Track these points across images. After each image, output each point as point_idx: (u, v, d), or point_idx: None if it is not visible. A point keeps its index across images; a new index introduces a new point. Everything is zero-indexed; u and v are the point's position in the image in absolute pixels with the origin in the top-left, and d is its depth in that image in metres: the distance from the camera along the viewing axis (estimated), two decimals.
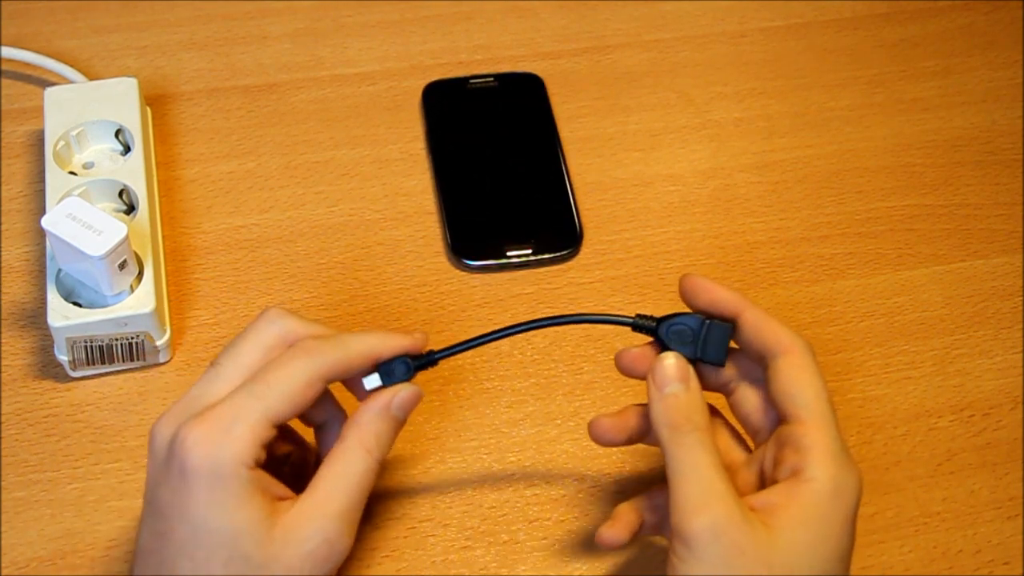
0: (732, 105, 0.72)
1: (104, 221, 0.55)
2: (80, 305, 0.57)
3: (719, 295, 0.49)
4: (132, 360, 0.59)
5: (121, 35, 0.73)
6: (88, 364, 0.58)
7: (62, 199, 0.58)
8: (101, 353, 0.58)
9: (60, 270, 0.58)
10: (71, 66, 0.70)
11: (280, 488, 0.46)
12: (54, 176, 0.61)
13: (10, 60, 0.71)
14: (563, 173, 0.68)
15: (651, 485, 0.54)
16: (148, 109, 0.69)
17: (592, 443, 0.58)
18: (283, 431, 0.49)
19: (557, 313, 0.62)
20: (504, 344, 0.61)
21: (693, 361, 0.48)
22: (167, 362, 0.60)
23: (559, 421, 0.59)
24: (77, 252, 0.55)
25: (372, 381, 0.48)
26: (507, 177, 0.68)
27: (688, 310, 0.50)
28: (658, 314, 0.50)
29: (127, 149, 0.64)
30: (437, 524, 0.55)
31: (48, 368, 0.59)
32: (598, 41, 0.75)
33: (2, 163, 0.67)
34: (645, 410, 0.50)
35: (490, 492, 0.57)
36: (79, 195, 0.60)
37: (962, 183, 0.69)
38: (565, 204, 0.67)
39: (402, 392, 0.48)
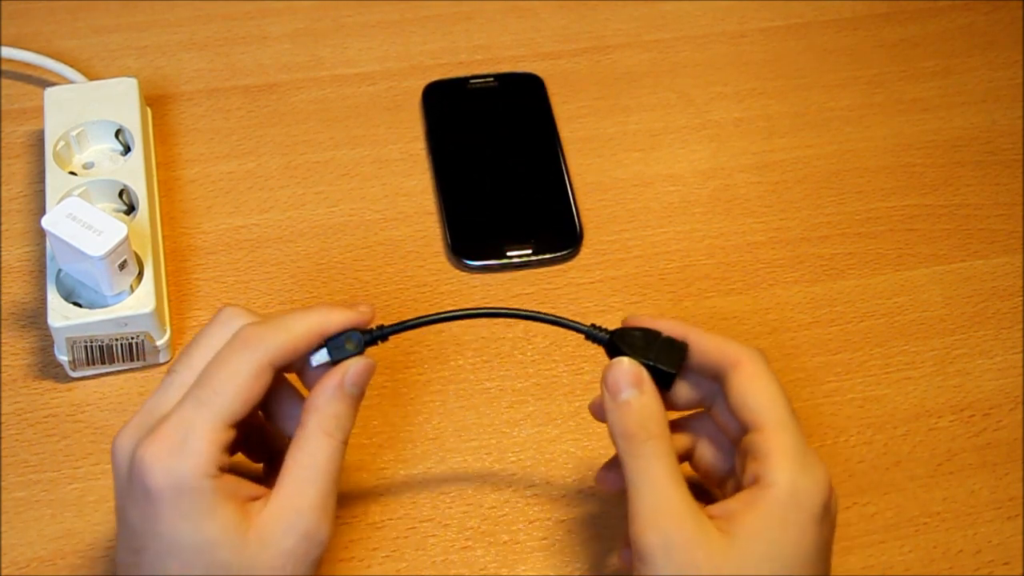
0: (732, 105, 0.72)
1: (104, 221, 0.55)
2: (80, 305, 0.57)
3: (660, 325, 0.48)
4: (132, 360, 0.59)
5: (121, 35, 0.73)
6: (88, 364, 0.58)
7: (62, 199, 0.58)
8: (101, 353, 0.58)
9: (60, 270, 0.58)
10: (71, 66, 0.70)
11: (250, 488, 0.45)
12: (54, 176, 0.61)
13: (10, 60, 0.71)
14: (563, 173, 0.68)
15: None
16: (148, 109, 0.69)
17: (592, 443, 0.58)
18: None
19: (556, 313, 0.62)
20: (504, 344, 0.61)
21: (648, 368, 0.47)
22: (167, 362, 0.60)
23: (559, 421, 0.59)
24: (77, 252, 0.55)
25: (319, 357, 0.46)
26: (507, 177, 0.68)
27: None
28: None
29: (127, 149, 0.64)
30: (437, 524, 0.55)
31: (48, 368, 0.59)
32: (598, 41, 0.75)
33: (2, 163, 0.67)
34: None
35: (490, 492, 0.57)
36: (79, 195, 0.60)
37: (962, 183, 0.69)
38: (565, 204, 0.67)
39: (353, 367, 0.46)
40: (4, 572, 0.53)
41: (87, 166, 0.64)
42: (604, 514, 0.56)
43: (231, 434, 0.44)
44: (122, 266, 0.56)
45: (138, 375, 0.59)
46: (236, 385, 0.44)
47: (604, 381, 0.47)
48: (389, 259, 0.65)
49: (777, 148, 0.70)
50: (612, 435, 0.46)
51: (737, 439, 0.48)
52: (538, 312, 0.50)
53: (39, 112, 0.65)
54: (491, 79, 0.72)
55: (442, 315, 0.49)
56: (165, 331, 0.59)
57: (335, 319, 0.47)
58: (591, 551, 0.55)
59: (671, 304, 0.63)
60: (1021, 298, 0.64)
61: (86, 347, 0.57)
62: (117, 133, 0.64)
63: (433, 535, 0.55)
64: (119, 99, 0.65)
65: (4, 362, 0.60)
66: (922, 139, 0.71)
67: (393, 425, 0.58)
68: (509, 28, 0.75)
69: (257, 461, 0.51)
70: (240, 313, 0.47)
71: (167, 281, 0.62)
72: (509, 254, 0.64)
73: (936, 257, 0.66)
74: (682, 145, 0.70)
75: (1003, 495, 0.57)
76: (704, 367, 0.48)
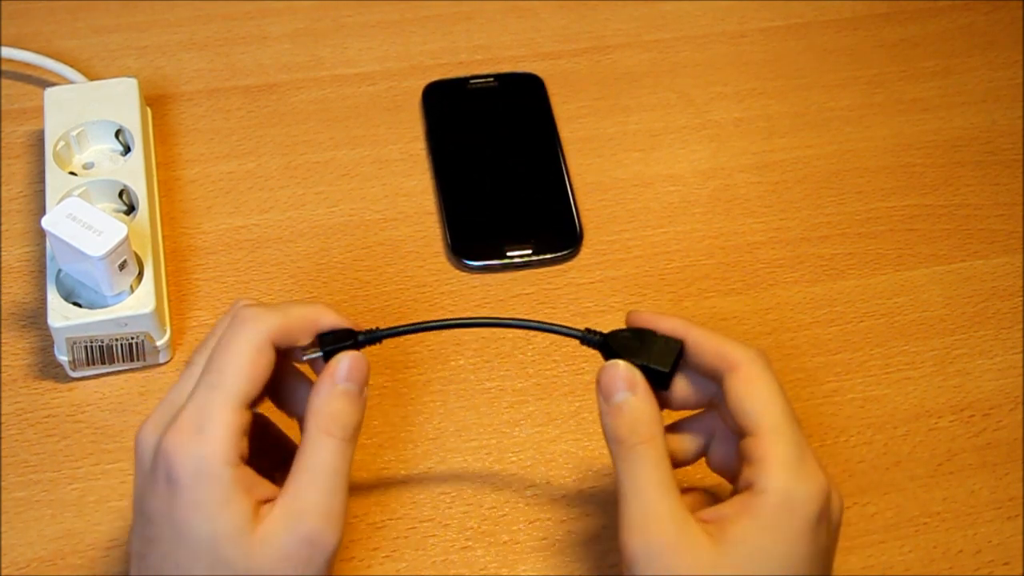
0: (732, 105, 0.72)
1: (104, 221, 0.55)
2: (80, 305, 0.57)
3: (662, 323, 0.48)
4: (132, 360, 0.59)
5: (121, 35, 0.73)
6: (88, 364, 0.58)
7: (62, 199, 0.58)
8: (101, 353, 0.58)
9: (60, 270, 0.58)
10: (71, 66, 0.70)
11: (265, 488, 0.45)
12: (54, 176, 0.61)
13: (10, 60, 0.71)
14: (563, 173, 0.68)
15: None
16: (148, 109, 0.69)
17: (592, 443, 0.58)
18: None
19: (556, 314, 0.63)
20: (504, 344, 0.61)
21: (642, 369, 0.47)
22: (167, 362, 0.60)
23: (559, 421, 0.59)
24: (77, 252, 0.55)
25: (311, 352, 0.47)
26: (507, 177, 0.68)
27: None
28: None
29: (127, 149, 0.64)
30: (437, 524, 0.55)
31: (48, 368, 0.59)
32: (598, 41, 0.75)
33: (2, 163, 0.67)
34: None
35: (490, 492, 0.57)
36: (79, 195, 0.60)
37: (962, 183, 0.69)
38: (565, 204, 0.67)
39: (343, 361, 0.46)
40: (4, 572, 0.53)
41: (87, 166, 0.64)
42: (604, 514, 0.56)
43: (247, 416, 0.44)
44: (122, 266, 0.56)
45: (138, 375, 0.59)
46: (239, 363, 0.44)
47: (598, 384, 0.47)
48: (389, 259, 0.65)
49: (777, 148, 0.70)
50: (606, 439, 0.46)
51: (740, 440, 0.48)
52: (531, 320, 0.50)
53: (39, 112, 0.65)
54: (491, 79, 0.72)
55: (435, 323, 0.49)
56: (165, 331, 0.59)
57: (331, 315, 0.47)
58: (591, 551, 0.55)
59: (671, 304, 0.63)
60: (1021, 298, 0.64)
61: (86, 347, 0.57)
62: (117, 133, 0.64)
63: (433, 535, 0.55)
64: (119, 99, 0.65)
65: (4, 362, 0.60)
66: (922, 139, 0.71)
67: (393, 425, 0.58)
68: (509, 28, 0.75)
69: (274, 469, 0.51)
70: (253, 305, 0.47)
71: (167, 281, 0.62)
72: (509, 254, 0.64)
73: (936, 257, 0.66)
74: (682, 145, 0.70)
75: (1003, 495, 0.57)
76: (703, 368, 0.48)
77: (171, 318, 0.61)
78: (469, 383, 0.60)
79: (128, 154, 0.64)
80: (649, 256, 0.65)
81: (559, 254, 0.65)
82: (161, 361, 0.60)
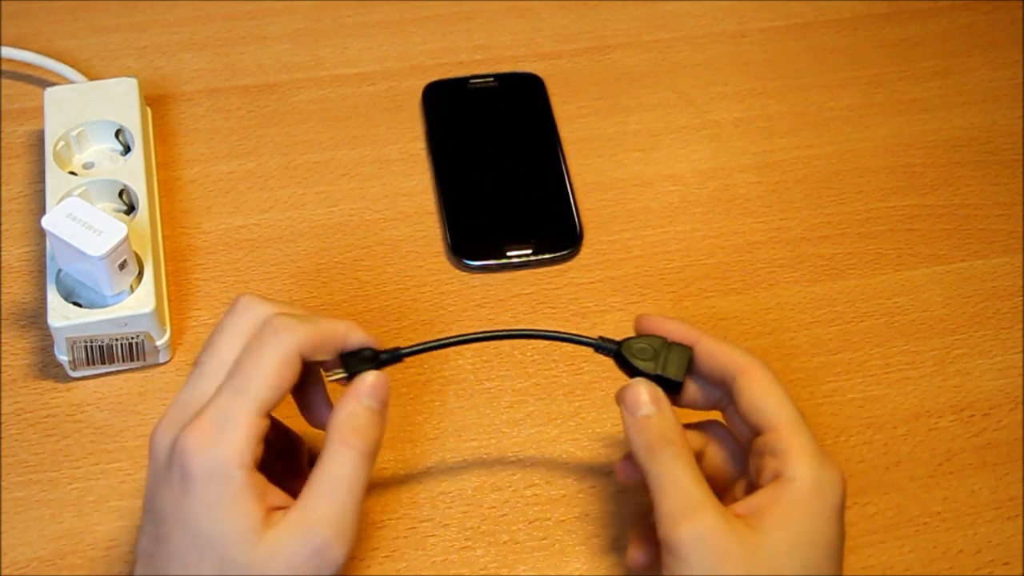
0: (732, 105, 0.72)
1: (104, 221, 0.55)
2: (80, 305, 0.57)
3: (672, 327, 0.51)
4: (132, 360, 0.59)
5: (121, 35, 0.73)
6: (88, 364, 0.58)
7: (62, 199, 0.58)
8: (101, 353, 0.58)
9: (60, 270, 0.58)
10: (71, 66, 0.70)
11: (276, 495, 0.45)
12: (54, 176, 0.61)
13: (10, 60, 0.71)
14: (563, 173, 0.68)
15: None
16: (148, 109, 0.69)
17: (592, 443, 0.58)
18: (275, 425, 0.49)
19: (556, 314, 0.63)
20: (504, 344, 0.61)
21: (655, 378, 0.49)
22: (167, 362, 0.60)
23: (559, 421, 0.59)
24: (77, 252, 0.55)
25: (335, 373, 0.48)
26: (507, 177, 0.68)
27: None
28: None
29: (127, 149, 0.64)
30: (437, 524, 0.55)
31: (48, 368, 0.59)
32: (598, 41, 0.75)
33: (2, 163, 0.67)
34: None
35: (490, 492, 0.57)
36: (79, 195, 0.60)
37: (962, 183, 0.69)
38: (565, 204, 0.67)
39: (367, 379, 0.47)
40: (4, 572, 0.53)
41: (87, 166, 0.64)
42: (604, 514, 0.56)
43: (266, 423, 0.45)
44: (122, 266, 0.56)
45: (138, 375, 0.59)
46: (268, 371, 0.45)
47: (623, 400, 0.49)
48: (389, 259, 0.65)
49: (777, 148, 0.70)
50: (633, 447, 0.48)
51: (748, 442, 0.49)
52: (547, 331, 0.52)
53: (39, 112, 0.65)
54: (491, 79, 0.72)
55: (455, 339, 0.50)
56: (165, 331, 0.59)
57: (357, 332, 0.48)
58: (591, 551, 0.55)
59: (671, 304, 0.63)
60: (1021, 298, 0.64)
61: (86, 347, 0.57)
62: (117, 133, 0.64)
63: (433, 535, 0.55)
64: (119, 99, 0.65)
65: (4, 362, 0.60)
66: (922, 139, 0.71)
67: (393, 425, 0.58)
68: (509, 28, 0.75)
69: (286, 475, 0.51)
70: (257, 300, 0.48)
71: (167, 281, 0.62)
72: (509, 254, 0.64)
73: (936, 257, 0.66)
74: (682, 145, 0.70)
75: (1003, 495, 0.57)
76: (712, 373, 0.50)
77: (171, 318, 0.61)
78: (469, 383, 0.60)
79: (128, 154, 0.64)
80: (649, 256, 0.65)
81: (559, 254, 0.65)
82: (161, 361, 0.60)
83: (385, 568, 0.54)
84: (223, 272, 0.63)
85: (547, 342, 0.61)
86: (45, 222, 0.55)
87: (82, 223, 0.55)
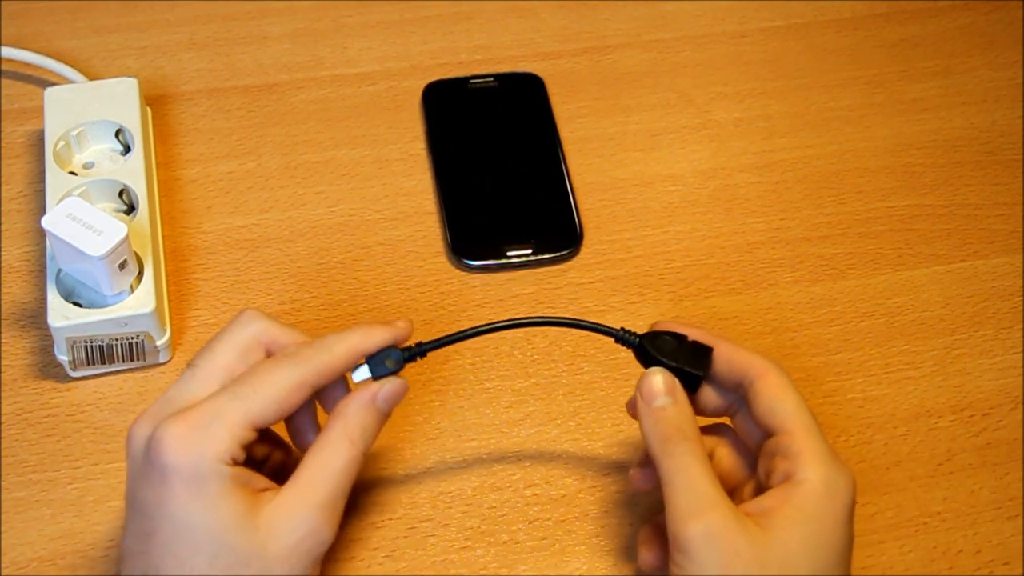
0: (732, 105, 0.72)
1: (104, 221, 0.55)
2: (80, 305, 0.57)
3: (691, 331, 0.51)
4: (132, 360, 0.59)
5: (121, 35, 0.73)
6: (88, 364, 0.58)
7: (62, 199, 0.58)
8: (101, 353, 0.58)
9: (60, 270, 0.58)
10: (71, 66, 0.70)
11: (261, 481, 0.46)
12: (54, 176, 0.61)
13: (10, 60, 0.71)
14: (563, 173, 0.68)
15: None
16: (148, 109, 0.69)
17: (592, 443, 0.58)
18: (265, 434, 0.49)
19: (556, 313, 0.62)
20: (504, 344, 0.61)
21: (676, 371, 0.49)
22: (167, 362, 0.60)
23: (559, 421, 0.59)
24: (77, 252, 0.55)
25: (361, 374, 0.49)
26: (507, 177, 0.68)
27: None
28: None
29: (127, 149, 0.64)
30: (437, 524, 0.55)
31: (48, 368, 0.59)
32: (598, 41, 0.75)
33: (2, 163, 0.67)
34: None
35: (490, 492, 0.57)
36: (79, 195, 0.60)
37: (962, 183, 0.69)
38: (565, 204, 0.67)
39: (388, 385, 0.48)
40: (4, 572, 0.53)
41: (87, 166, 0.64)
42: (604, 514, 0.56)
43: (252, 435, 0.45)
44: (122, 266, 0.56)
45: (138, 375, 0.59)
46: (275, 391, 0.46)
47: (640, 389, 0.49)
48: (389, 259, 0.65)
49: (777, 148, 0.70)
50: (647, 438, 0.48)
51: (758, 445, 0.49)
52: (572, 319, 0.52)
53: (39, 112, 0.65)
54: (491, 79, 0.72)
55: (479, 329, 0.50)
56: (165, 331, 0.59)
57: (375, 338, 0.49)
58: (591, 551, 0.55)
59: (671, 304, 0.63)
60: (1021, 298, 0.64)
61: (86, 347, 0.57)
62: (117, 133, 0.64)
63: (433, 535, 0.55)
64: (119, 99, 0.65)
65: (4, 362, 0.60)
66: (922, 139, 0.71)
67: (393, 425, 0.58)
68: (509, 28, 0.75)
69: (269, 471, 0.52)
70: (260, 316, 0.49)
71: (167, 281, 0.62)
72: (509, 254, 0.64)
73: (936, 257, 0.66)
74: (682, 145, 0.70)
75: (1003, 495, 0.57)
76: (729, 376, 0.50)
77: (171, 318, 0.61)
78: (469, 383, 0.60)
79: (128, 154, 0.64)
80: (649, 256, 0.65)
81: (559, 254, 0.65)
82: (161, 361, 0.60)
83: (385, 568, 0.54)
84: (223, 272, 0.63)
85: (547, 343, 0.61)
86: (45, 222, 0.55)
87: (82, 223, 0.55)
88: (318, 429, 0.49)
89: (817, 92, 0.73)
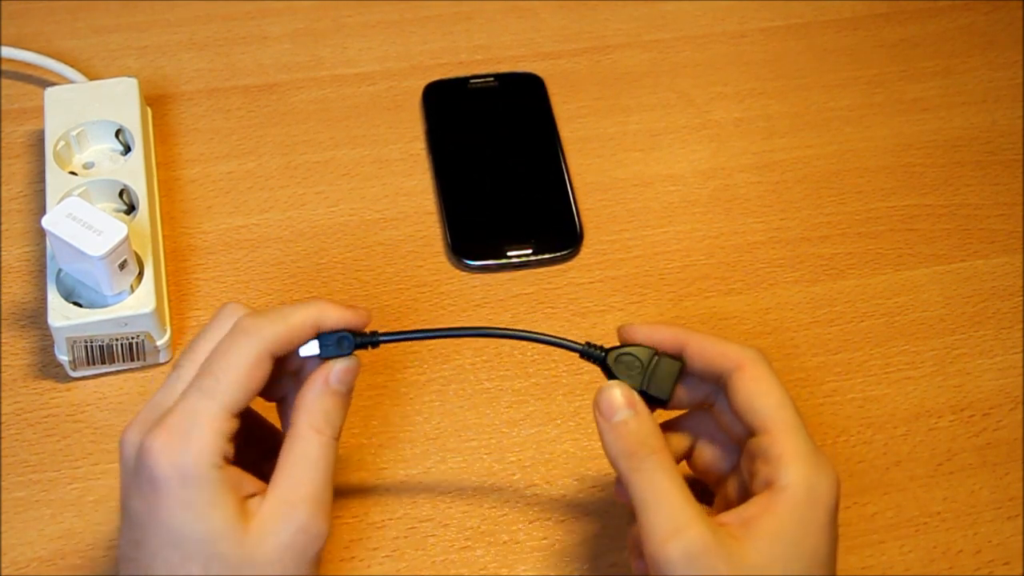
0: (732, 105, 0.72)
1: (104, 221, 0.55)
2: (80, 305, 0.57)
3: (659, 333, 0.49)
4: (132, 360, 0.59)
5: (121, 35, 0.73)
6: (88, 364, 0.58)
7: (62, 199, 0.58)
8: (101, 353, 0.58)
9: (60, 270, 0.58)
10: (71, 66, 0.70)
11: (251, 483, 0.45)
12: (54, 176, 0.61)
13: (10, 60, 0.71)
14: (563, 173, 0.68)
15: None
16: (148, 109, 0.69)
17: (592, 443, 0.58)
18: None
19: (556, 314, 0.62)
20: (504, 344, 0.61)
21: (641, 394, 0.47)
22: (167, 362, 0.60)
23: (559, 421, 0.59)
24: (77, 252, 0.55)
25: (309, 349, 0.47)
26: (507, 177, 0.68)
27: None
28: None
29: (127, 149, 0.64)
30: (437, 524, 0.55)
31: (48, 368, 0.59)
32: (598, 41, 0.75)
33: (2, 163, 0.67)
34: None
35: (490, 492, 0.56)
36: (79, 195, 0.60)
37: (962, 183, 0.69)
38: (565, 204, 0.67)
39: (338, 365, 0.47)
40: (4, 572, 0.53)
41: (87, 166, 0.64)
42: (604, 513, 0.56)
43: (235, 423, 0.45)
44: (122, 266, 0.56)
45: (138, 375, 0.59)
46: (237, 374, 0.45)
47: (596, 405, 0.47)
48: (389, 259, 0.65)
49: (777, 148, 0.70)
50: (610, 456, 0.46)
51: (741, 440, 0.48)
52: (534, 332, 0.50)
53: (39, 112, 0.65)
54: (491, 79, 0.72)
55: (436, 331, 0.49)
56: (165, 331, 0.59)
57: (331, 315, 0.47)
58: (591, 551, 0.55)
59: (671, 304, 0.63)
60: (1021, 298, 0.64)
61: (86, 347, 0.57)
62: (117, 133, 0.64)
63: (433, 535, 0.55)
64: (119, 99, 0.65)
65: (4, 362, 0.60)
66: (922, 139, 0.71)
67: (393, 425, 0.58)
68: (509, 28, 0.75)
69: (260, 459, 0.51)
70: (241, 308, 0.48)
71: (167, 281, 0.62)
72: (509, 254, 0.64)
73: (936, 257, 0.66)
74: (682, 145, 0.70)
75: (1003, 495, 0.57)
76: (705, 371, 0.48)
77: (171, 318, 0.61)
78: (469, 383, 0.60)
79: (128, 154, 0.64)
80: (649, 256, 0.65)
81: (559, 254, 0.65)
82: (161, 361, 0.60)
83: (385, 568, 0.54)
84: (223, 272, 0.64)
85: None
86: (45, 222, 0.55)
87: (82, 223, 0.55)
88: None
89: (817, 92, 0.73)
